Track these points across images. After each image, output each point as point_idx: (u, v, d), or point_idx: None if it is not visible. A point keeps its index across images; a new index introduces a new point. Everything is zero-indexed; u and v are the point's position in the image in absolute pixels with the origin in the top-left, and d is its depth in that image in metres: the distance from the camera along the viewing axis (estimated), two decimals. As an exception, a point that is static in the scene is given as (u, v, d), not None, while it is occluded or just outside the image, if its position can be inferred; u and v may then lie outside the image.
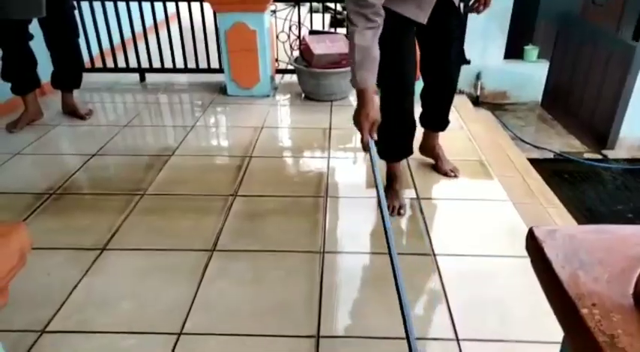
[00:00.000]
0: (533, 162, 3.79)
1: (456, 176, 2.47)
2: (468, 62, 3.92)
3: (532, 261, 0.74)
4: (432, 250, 1.90)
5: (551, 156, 4.29)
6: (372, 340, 1.49)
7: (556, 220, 2.56)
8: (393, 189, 2.21)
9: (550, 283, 0.65)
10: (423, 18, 1.91)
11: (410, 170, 2.49)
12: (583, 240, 0.73)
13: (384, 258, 1.83)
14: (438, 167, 2.51)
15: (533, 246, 0.73)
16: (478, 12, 2.18)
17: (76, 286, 1.70)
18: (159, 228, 2.03)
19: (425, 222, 2.08)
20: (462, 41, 3.25)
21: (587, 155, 4.31)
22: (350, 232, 2.02)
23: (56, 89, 3.15)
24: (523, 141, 4.46)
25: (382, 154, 2.20)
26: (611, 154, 4.27)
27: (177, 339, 1.49)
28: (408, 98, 2.05)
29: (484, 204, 2.23)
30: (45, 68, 3.01)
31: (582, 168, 4.13)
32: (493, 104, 5.66)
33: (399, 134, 2.16)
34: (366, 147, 1.69)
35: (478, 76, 5.84)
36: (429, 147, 2.50)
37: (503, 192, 2.35)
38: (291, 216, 2.12)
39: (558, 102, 5.44)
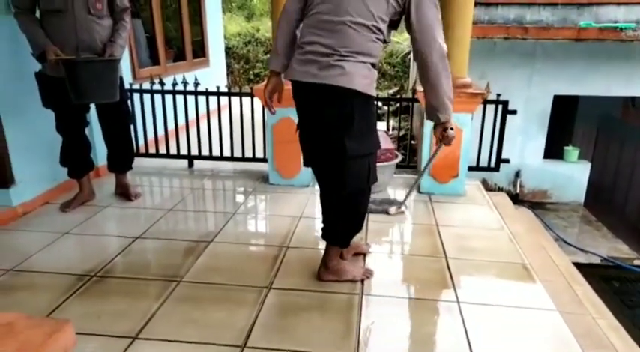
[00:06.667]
0: (579, 266, 3.61)
1: None
2: (507, 161, 3.93)
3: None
4: (474, 362, 1.79)
5: (597, 260, 4.08)
6: None
7: (609, 335, 2.39)
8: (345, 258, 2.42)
9: None
10: None
11: (449, 269, 2.43)
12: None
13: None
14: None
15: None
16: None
17: (104, 376, 1.68)
18: (191, 319, 2.01)
19: (466, 330, 1.98)
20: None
21: (637, 261, 4.09)
22: (385, 335, 1.94)
23: (111, 172, 3.34)
24: (567, 243, 4.30)
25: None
26: (663, 262, 4.05)
27: None
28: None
29: (529, 313, 2.12)
30: (101, 151, 3.21)
31: (633, 275, 3.90)
32: (533, 202, 5.56)
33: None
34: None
35: (517, 174, 5.83)
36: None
37: (548, 299, 2.23)
38: (325, 313, 2.07)
39: (602, 203, 5.32)
